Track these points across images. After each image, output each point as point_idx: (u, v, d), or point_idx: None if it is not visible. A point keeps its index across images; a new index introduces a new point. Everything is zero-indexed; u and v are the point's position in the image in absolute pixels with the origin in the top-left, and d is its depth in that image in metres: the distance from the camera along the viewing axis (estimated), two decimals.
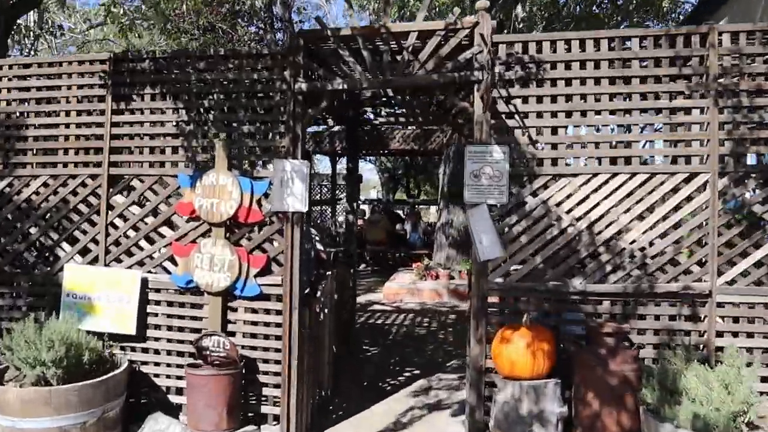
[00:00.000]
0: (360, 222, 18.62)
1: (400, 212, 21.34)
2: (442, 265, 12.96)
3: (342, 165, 32.63)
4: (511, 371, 4.80)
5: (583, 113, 5.10)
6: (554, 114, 5.14)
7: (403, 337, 9.23)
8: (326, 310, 6.34)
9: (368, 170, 38.41)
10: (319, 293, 6.14)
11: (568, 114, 5.14)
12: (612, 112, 5.08)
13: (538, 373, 4.76)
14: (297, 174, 5.31)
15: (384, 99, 8.02)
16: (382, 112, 8.31)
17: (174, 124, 5.72)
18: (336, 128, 17.80)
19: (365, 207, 20.61)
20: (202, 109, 5.68)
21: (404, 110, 7.94)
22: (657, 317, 5.00)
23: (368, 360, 7.92)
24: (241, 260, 5.36)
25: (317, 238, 7.41)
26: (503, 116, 5.17)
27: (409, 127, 17.37)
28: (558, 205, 5.08)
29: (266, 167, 5.51)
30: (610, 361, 4.61)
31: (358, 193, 9.33)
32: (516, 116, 5.15)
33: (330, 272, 6.91)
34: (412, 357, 8.08)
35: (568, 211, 5.07)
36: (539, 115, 5.15)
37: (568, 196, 5.08)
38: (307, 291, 5.75)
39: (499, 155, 5.07)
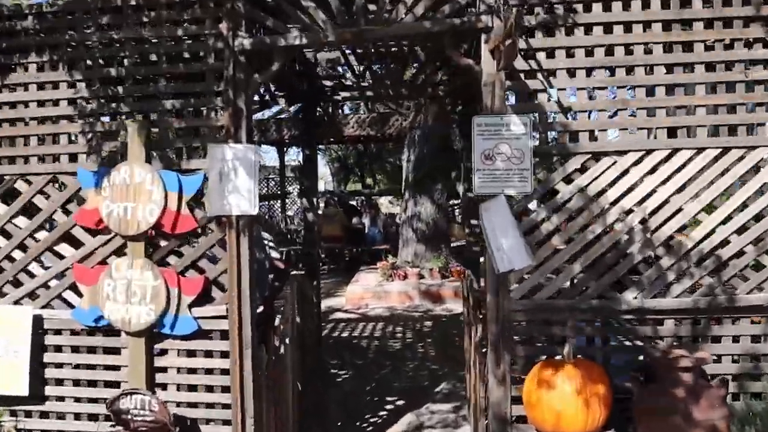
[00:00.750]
0: None
1: (355, 203, 19.91)
2: (410, 263, 11.63)
3: (290, 156, 31.01)
4: (557, 426, 3.47)
5: (630, 70, 3.79)
6: (590, 72, 3.83)
7: (375, 353, 7.86)
8: (287, 340, 4.92)
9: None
10: (277, 320, 4.73)
11: (610, 71, 3.85)
12: (668, 68, 3.80)
13: (593, 427, 3.46)
14: (242, 163, 3.87)
15: (344, 71, 6.64)
16: (344, 87, 6.91)
17: (70, 102, 4.20)
18: (283, 115, 16.28)
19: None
20: (108, 81, 4.18)
21: (371, 82, 6.55)
22: (736, 339, 3.77)
23: (338, 387, 6.52)
24: (169, 285, 3.89)
25: (271, 243, 5.99)
26: (522, 76, 3.83)
27: (363, 111, 16.04)
28: (601, 194, 3.77)
29: (199, 156, 4.06)
30: (692, 405, 3.34)
31: (316, 185, 7.86)
32: (539, 75, 3.81)
33: (289, 287, 5.51)
34: (391, 381, 6.72)
35: (615, 202, 3.77)
36: (571, 73, 3.82)
37: (614, 182, 3.78)
38: (260, 311, 4.35)
39: (519, 128, 3.73)
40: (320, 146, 23.80)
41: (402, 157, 12.18)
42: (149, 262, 3.92)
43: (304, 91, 6.74)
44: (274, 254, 5.99)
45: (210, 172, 3.88)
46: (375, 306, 10.69)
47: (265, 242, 5.87)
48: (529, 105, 3.82)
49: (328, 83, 6.85)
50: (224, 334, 3.94)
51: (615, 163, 3.75)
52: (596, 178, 3.77)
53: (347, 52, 6.25)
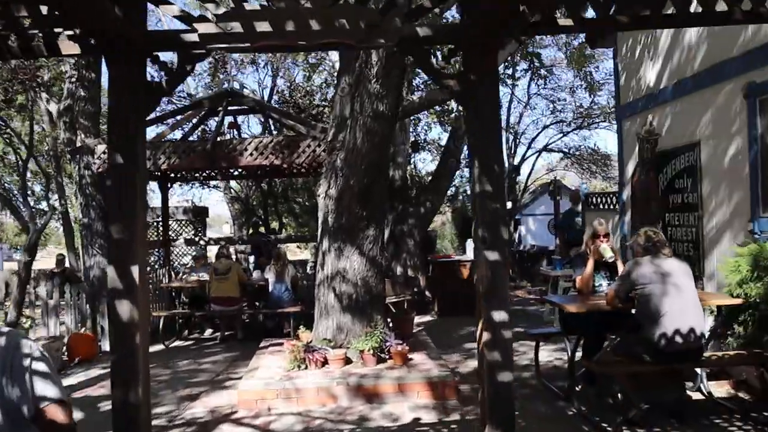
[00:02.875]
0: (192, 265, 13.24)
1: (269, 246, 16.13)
2: (330, 342, 8.15)
3: (181, 193, 26.84)
4: None
5: None
6: None
7: None
8: None
9: (217, 201, 33.12)
10: None
11: None
12: None
13: None
14: None
15: None
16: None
17: None
18: (169, 136, 12.61)
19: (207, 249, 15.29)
20: None
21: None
22: None
23: None
24: None
25: (42, 364, 2.49)
26: None
27: (265, 135, 12.57)
28: None
29: None
30: None
31: (136, 229, 4.17)
32: None
33: None
34: None
35: None
36: None
37: None
38: None
39: None
40: (213, 180, 20.11)
41: (317, 192, 8.74)
42: None
43: (116, 22, 3.10)
44: (46, 389, 2.51)
45: None
46: (282, 410, 7.11)
47: (27, 361, 2.45)
48: None
49: (171, 9, 3.33)
50: None
51: None
52: None
53: None
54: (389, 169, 13.69)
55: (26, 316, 11.20)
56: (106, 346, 10.93)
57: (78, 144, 11.83)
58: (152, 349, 11.46)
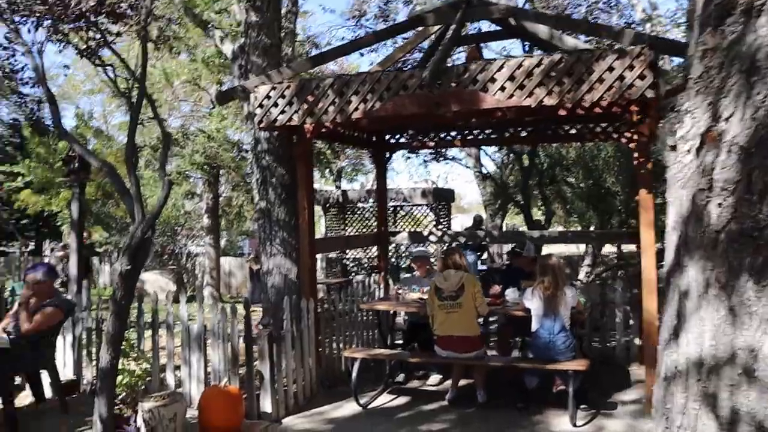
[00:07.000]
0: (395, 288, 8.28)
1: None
2: None
3: (396, 163, 22.66)
4: None
5: None
6: None
7: None
8: None
9: (465, 182, 28.37)
10: None
11: None
12: None
13: None
14: None
15: None
16: None
17: None
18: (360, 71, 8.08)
19: (420, 248, 10.12)
20: None
21: None
22: None
23: None
24: None
25: None
26: None
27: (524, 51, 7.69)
28: None
29: None
30: None
31: None
32: None
33: None
34: None
35: None
36: None
37: None
38: None
39: None
40: (452, 147, 15.46)
41: (670, 141, 3.32)
42: None
43: None
44: None
45: None
46: None
47: None
48: None
49: None
50: None
51: None
52: None
53: None
54: None
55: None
56: (266, 405, 6.70)
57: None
58: (339, 412, 7.15)
